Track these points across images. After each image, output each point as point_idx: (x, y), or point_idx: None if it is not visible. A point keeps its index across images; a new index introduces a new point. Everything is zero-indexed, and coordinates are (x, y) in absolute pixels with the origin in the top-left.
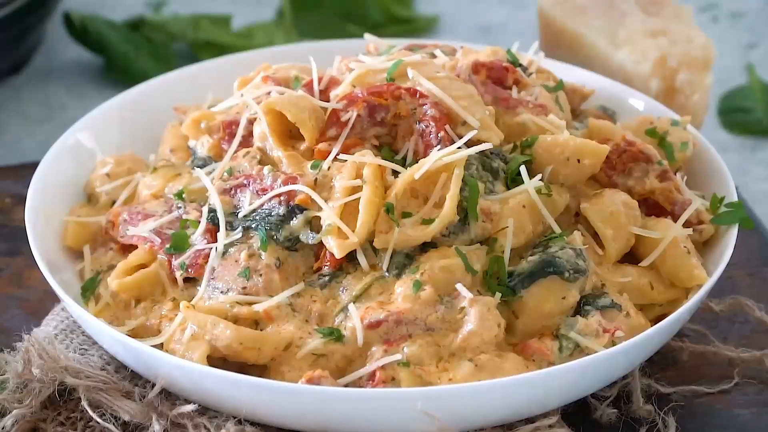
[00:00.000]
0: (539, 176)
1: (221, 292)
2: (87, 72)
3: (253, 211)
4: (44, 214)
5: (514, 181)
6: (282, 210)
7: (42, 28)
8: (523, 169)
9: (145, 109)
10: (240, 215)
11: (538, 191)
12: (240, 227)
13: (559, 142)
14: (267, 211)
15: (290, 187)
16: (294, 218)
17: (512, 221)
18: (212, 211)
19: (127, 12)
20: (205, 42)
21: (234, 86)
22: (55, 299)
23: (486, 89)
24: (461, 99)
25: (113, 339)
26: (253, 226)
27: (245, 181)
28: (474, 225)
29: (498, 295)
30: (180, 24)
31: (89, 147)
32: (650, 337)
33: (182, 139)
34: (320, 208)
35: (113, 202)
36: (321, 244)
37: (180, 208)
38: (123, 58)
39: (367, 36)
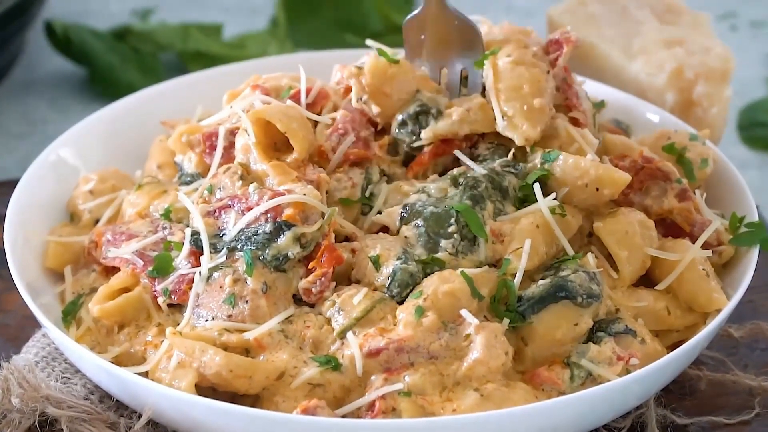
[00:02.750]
0: (553, 195)
1: (206, 320)
2: (70, 84)
3: (239, 231)
4: (24, 234)
5: (524, 200)
6: (268, 227)
7: (22, 38)
8: (537, 187)
9: (130, 124)
10: (225, 238)
11: (552, 211)
12: (224, 249)
13: (580, 167)
14: (253, 230)
15: (279, 200)
16: (281, 235)
17: (529, 242)
18: (195, 233)
19: (112, 21)
20: (194, 52)
21: (223, 100)
22: (36, 324)
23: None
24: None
25: (97, 367)
26: (239, 246)
27: (230, 202)
28: (483, 246)
29: (506, 321)
30: (168, 33)
31: (72, 163)
32: (666, 365)
33: (170, 154)
34: (308, 224)
35: (96, 221)
36: (310, 261)
37: (166, 228)
38: (108, 70)
39: (369, 42)
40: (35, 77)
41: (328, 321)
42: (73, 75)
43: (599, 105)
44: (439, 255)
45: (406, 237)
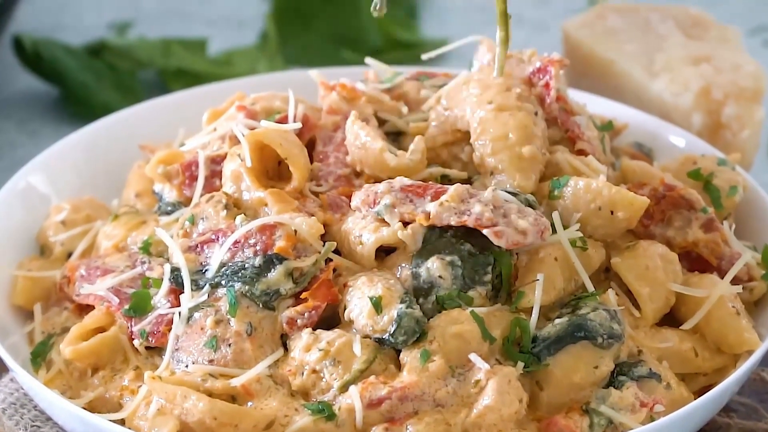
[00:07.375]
0: (577, 226)
1: (186, 365)
2: (40, 105)
3: (223, 265)
4: None
5: None
6: (258, 261)
7: None
8: (556, 216)
9: (106, 148)
10: (208, 274)
11: (573, 243)
12: (207, 285)
13: (592, 188)
14: (240, 265)
15: (260, 221)
16: (272, 269)
17: (543, 276)
18: (176, 269)
19: (86, 35)
20: (176, 70)
21: (203, 120)
22: (2, 368)
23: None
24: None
25: (69, 414)
26: (223, 282)
27: (213, 236)
28: (504, 293)
29: (520, 364)
30: (147, 49)
31: (42, 191)
32: (693, 412)
33: (149, 182)
34: (302, 257)
35: (69, 254)
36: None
37: (144, 263)
38: (82, 89)
39: (369, 61)
40: (2, 97)
41: (303, 363)
42: (44, 95)
43: (606, 127)
44: (470, 294)
45: (428, 269)
